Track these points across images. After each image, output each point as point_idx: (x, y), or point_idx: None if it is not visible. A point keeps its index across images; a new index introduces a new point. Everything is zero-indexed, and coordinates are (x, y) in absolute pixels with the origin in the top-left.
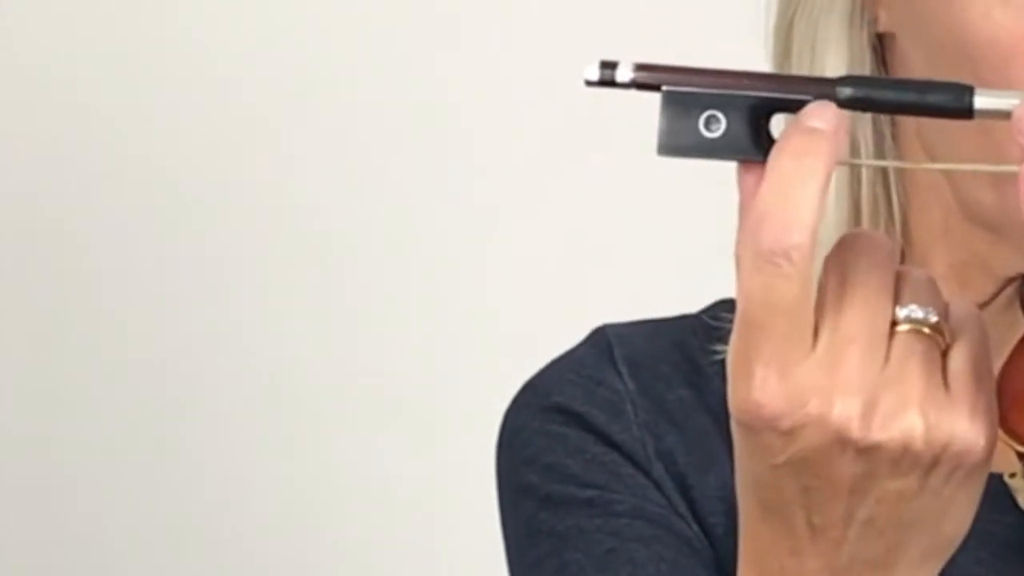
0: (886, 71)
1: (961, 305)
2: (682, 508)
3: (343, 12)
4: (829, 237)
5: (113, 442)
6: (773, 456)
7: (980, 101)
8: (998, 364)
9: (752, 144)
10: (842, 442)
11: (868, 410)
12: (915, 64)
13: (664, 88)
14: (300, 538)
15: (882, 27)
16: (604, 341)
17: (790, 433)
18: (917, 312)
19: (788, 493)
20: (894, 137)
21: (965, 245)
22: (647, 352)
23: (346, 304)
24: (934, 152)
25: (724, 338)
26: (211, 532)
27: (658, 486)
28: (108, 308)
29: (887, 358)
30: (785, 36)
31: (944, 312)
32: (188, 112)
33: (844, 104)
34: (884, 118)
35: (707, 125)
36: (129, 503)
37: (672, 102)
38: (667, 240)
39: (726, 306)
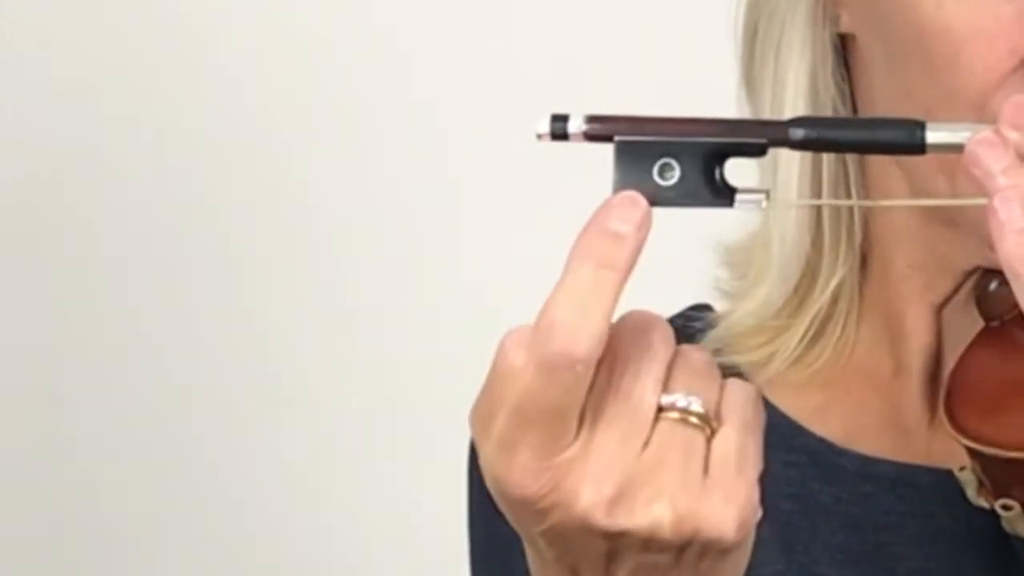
0: (848, 72)
1: (738, 386)
2: None
3: (343, 12)
4: (792, 235)
5: (112, 442)
6: (530, 527)
7: (932, 136)
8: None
9: (708, 190)
10: (588, 525)
11: (618, 496)
12: (875, 61)
13: (616, 138)
14: (303, 538)
15: (843, 27)
16: None
17: (543, 512)
18: (682, 400)
19: (549, 556)
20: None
21: (925, 243)
22: None
23: (348, 304)
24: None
25: (693, 338)
26: (212, 532)
27: None
28: (109, 307)
29: (646, 445)
30: (751, 39)
31: (717, 395)
32: (188, 111)
33: (798, 145)
34: None
35: (661, 173)
36: (128, 503)
37: (625, 152)
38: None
39: (700, 310)
